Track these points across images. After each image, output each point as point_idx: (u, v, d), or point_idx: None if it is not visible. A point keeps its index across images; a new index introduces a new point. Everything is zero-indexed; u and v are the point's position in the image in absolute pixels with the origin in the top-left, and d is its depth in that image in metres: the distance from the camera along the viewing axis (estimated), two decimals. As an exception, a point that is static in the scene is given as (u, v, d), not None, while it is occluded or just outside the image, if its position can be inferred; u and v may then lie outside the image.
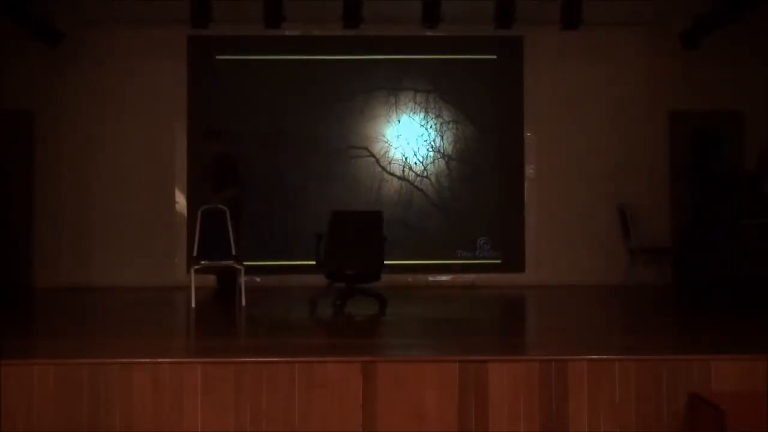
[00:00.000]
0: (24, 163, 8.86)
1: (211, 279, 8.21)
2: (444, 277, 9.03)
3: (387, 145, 9.16)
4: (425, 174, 9.16)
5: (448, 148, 9.18)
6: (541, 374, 4.25)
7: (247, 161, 8.43)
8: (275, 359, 4.32)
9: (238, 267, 6.88)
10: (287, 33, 8.94)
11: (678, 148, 8.87)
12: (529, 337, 6.09)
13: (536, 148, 9.13)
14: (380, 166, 9.15)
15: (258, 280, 8.82)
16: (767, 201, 7.62)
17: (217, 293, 7.78)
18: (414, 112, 9.19)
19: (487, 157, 9.17)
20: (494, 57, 9.23)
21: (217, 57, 9.13)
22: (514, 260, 9.08)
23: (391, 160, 9.16)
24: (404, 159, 9.16)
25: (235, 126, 8.95)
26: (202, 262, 6.80)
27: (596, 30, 8.82)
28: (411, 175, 9.16)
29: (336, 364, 4.28)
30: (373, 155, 9.15)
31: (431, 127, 9.19)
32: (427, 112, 9.19)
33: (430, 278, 9.03)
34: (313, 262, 6.75)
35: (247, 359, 4.32)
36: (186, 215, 8.96)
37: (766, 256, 7.53)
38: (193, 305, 6.71)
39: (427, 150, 9.18)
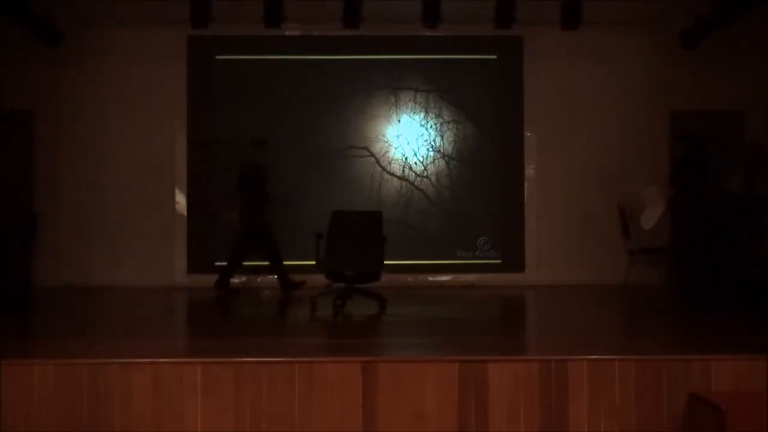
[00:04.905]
0: (24, 163, 8.86)
1: (209, 279, 8.24)
2: (444, 277, 9.03)
3: (387, 145, 9.16)
4: (425, 174, 9.16)
5: (448, 148, 9.18)
6: (541, 374, 4.24)
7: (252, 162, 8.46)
8: (275, 359, 4.31)
9: None
10: (287, 33, 8.94)
11: (678, 148, 8.86)
12: (529, 337, 6.08)
13: (536, 148, 9.13)
14: (380, 166, 9.14)
15: (258, 280, 8.83)
16: (763, 199, 7.58)
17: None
18: (414, 112, 9.19)
19: (487, 157, 9.17)
20: (494, 57, 9.24)
21: (217, 57, 9.13)
22: (514, 260, 9.08)
23: (391, 160, 9.15)
24: (404, 159, 9.16)
25: (235, 126, 8.97)
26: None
27: (596, 30, 8.82)
28: (411, 175, 9.16)
29: (336, 364, 4.27)
30: (373, 155, 9.15)
31: (431, 127, 9.18)
32: (427, 112, 9.19)
33: (430, 278, 9.02)
34: (313, 262, 6.75)
35: (247, 359, 4.31)
36: (186, 215, 8.98)
37: (765, 256, 7.50)
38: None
39: (427, 150, 9.17)
